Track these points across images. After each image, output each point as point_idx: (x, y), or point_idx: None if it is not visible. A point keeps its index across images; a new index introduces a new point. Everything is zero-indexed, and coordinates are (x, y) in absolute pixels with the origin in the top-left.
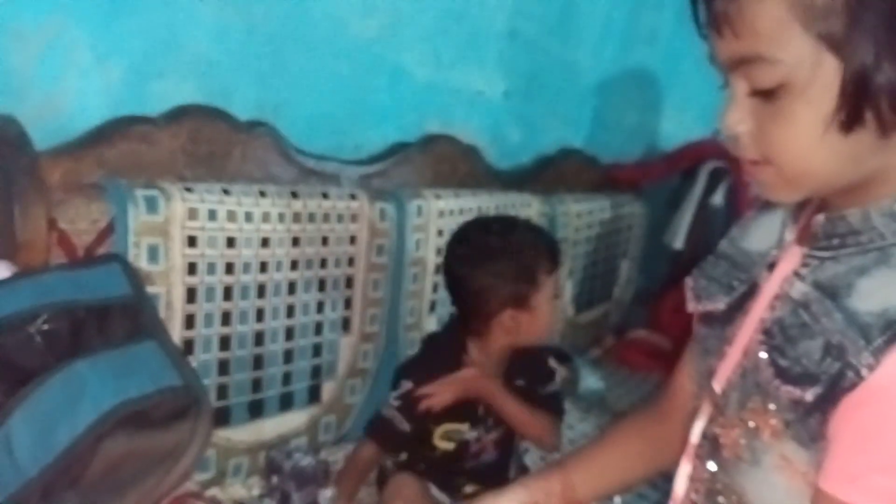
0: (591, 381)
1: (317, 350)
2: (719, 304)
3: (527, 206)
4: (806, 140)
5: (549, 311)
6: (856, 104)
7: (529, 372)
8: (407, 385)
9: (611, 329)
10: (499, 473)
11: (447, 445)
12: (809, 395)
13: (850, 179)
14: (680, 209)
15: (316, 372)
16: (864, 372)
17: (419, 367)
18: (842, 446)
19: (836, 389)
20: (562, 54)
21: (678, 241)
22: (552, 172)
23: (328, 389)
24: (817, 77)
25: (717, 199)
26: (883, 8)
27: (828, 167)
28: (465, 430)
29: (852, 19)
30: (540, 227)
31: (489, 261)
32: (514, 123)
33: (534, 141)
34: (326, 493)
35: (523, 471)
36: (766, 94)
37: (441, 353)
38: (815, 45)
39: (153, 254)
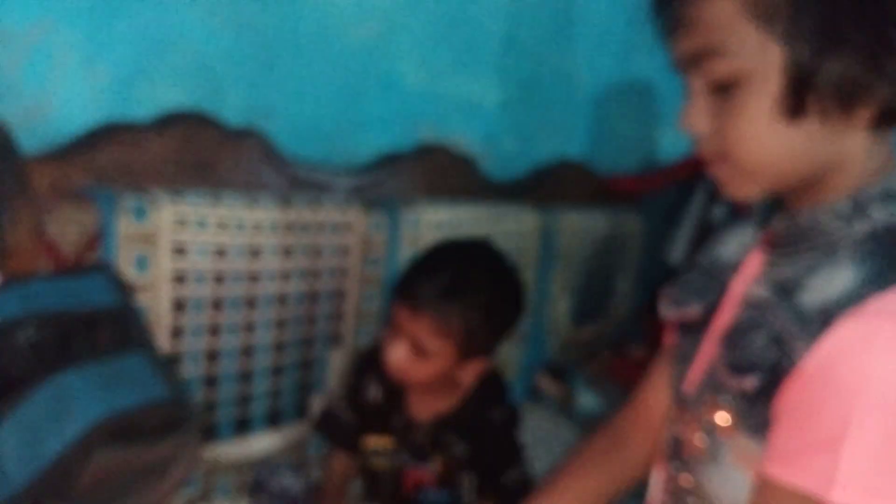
0: (587, 397)
1: (306, 365)
2: (693, 311)
3: (522, 219)
4: (756, 130)
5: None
6: (798, 93)
7: (484, 439)
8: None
9: (607, 345)
10: None
11: (376, 461)
12: (749, 382)
13: (804, 173)
14: (678, 224)
15: (305, 387)
16: (797, 357)
17: (357, 363)
18: (779, 430)
19: (775, 377)
20: (559, 64)
21: (676, 256)
22: (549, 184)
23: (317, 405)
24: (764, 68)
25: (717, 213)
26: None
27: (779, 158)
28: (388, 446)
29: (796, 11)
30: (438, 258)
31: None
32: (510, 133)
33: (530, 151)
34: None
35: None
36: (721, 89)
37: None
38: (761, 35)
39: (140, 263)
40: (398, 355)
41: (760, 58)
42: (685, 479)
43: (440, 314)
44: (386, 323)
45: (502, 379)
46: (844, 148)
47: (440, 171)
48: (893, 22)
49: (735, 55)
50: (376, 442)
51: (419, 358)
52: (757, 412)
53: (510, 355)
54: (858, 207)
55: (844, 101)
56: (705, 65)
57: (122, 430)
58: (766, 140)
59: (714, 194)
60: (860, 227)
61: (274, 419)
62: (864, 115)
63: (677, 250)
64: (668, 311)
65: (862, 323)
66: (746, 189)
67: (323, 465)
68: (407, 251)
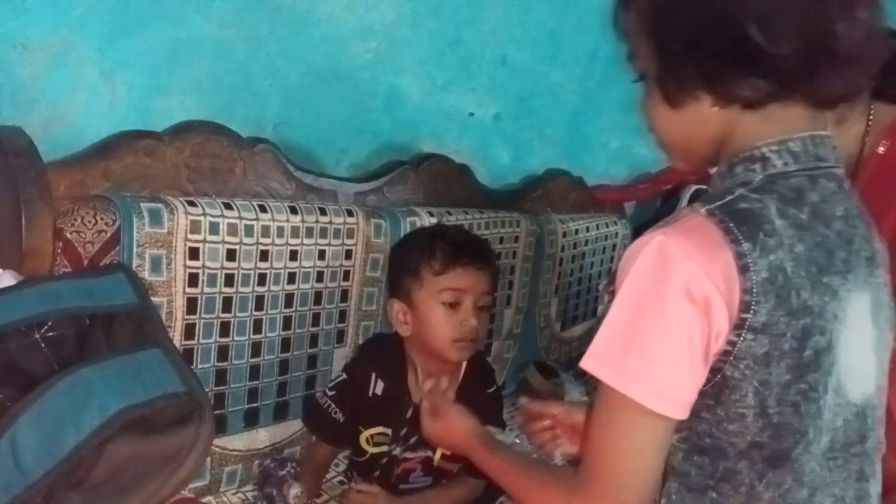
0: (575, 395)
1: (312, 361)
2: None
3: (515, 225)
4: (654, 113)
5: (435, 313)
6: (661, 86)
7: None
8: (342, 377)
9: None
10: None
11: (373, 449)
12: None
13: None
14: None
15: (310, 382)
16: None
17: (358, 360)
18: None
19: None
20: (550, 80)
21: None
22: (540, 192)
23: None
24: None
25: None
26: (670, 20)
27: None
28: (387, 435)
29: (651, 28)
30: (462, 231)
31: (396, 249)
32: (504, 145)
33: (522, 161)
34: (294, 490)
35: None
36: (643, 80)
37: (381, 348)
38: (649, 43)
39: (156, 265)
40: (477, 321)
41: (649, 59)
42: None
43: (494, 262)
44: (403, 300)
45: (487, 360)
46: None
47: (439, 179)
48: None
49: (640, 56)
50: (375, 432)
51: (482, 314)
52: None
53: (503, 352)
54: None
55: None
56: (633, 63)
57: (138, 422)
58: (659, 121)
59: (695, 203)
60: None
61: (281, 412)
62: None
63: None
64: None
65: None
66: (675, 161)
67: (306, 452)
68: None
